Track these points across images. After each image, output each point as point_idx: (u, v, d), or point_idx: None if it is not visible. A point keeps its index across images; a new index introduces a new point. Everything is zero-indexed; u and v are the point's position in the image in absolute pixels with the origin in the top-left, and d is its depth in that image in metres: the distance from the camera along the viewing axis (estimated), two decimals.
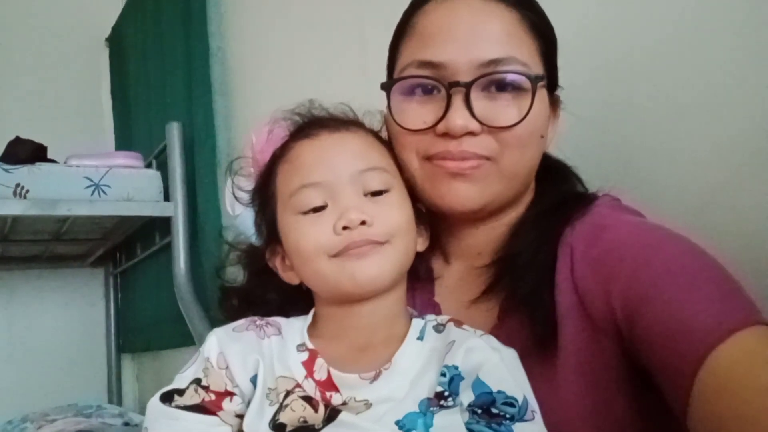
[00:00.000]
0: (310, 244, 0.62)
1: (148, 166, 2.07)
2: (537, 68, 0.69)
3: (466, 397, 0.58)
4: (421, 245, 0.71)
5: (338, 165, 0.64)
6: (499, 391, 0.57)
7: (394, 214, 0.64)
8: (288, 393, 0.60)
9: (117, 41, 2.73)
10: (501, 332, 0.68)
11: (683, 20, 0.82)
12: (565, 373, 0.64)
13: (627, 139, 0.89)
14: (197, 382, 0.62)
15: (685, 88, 0.82)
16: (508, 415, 0.57)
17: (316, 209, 0.63)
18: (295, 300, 0.70)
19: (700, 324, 0.54)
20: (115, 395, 2.59)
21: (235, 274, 0.77)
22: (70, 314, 2.62)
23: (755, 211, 0.74)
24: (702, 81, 0.80)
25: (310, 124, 0.69)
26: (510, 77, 0.67)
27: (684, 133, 0.82)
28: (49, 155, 1.95)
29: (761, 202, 0.73)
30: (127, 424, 2.03)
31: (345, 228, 0.61)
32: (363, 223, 0.61)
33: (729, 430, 0.49)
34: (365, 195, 0.64)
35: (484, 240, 0.74)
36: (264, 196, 0.70)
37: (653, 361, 0.57)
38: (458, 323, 0.65)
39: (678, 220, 0.65)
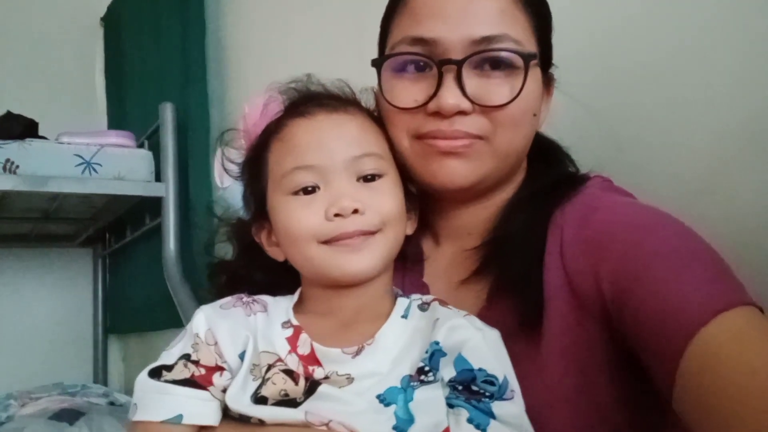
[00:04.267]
0: (301, 228, 0.62)
1: (141, 146, 2.05)
2: (530, 46, 0.68)
3: (448, 372, 0.58)
4: (410, 228, 0.70)
5: (333, 149, 0.63)
6: (480, 369, 0.57)
7: (386, 202, 0.64)
8: (270, 367, 0.60)
9: (112, 20, 2.71)
10: (490, 313, 0.68)
11: (680, 7, 0.82)
12: (550, 354, 0.64)
13: (621, 124, 0.89)
14: (186, 357, 0.62)
15: (680, 75, 0.82)
16: (487, 393, 0.57)
17: (308, 191, 0.63)
18: (282, 278, 0.70)
19: (687, 305, 0.54)
20: (101, 376, 2.58)
21: (225, 250, 0.77)
22: (57, 294, 2.61)
23: (748, 198, 0.74)
24: (698, 68, 0.80)
25: (307, 102, 0.68)
26: (503, 55, 0.66)
27: (679, 120, 0.82)
28: (41, 132, 1.93)
29: (754, 189, 0.74)
30: (112, 403, 2.02)
31: (337, 215, 0.61)
32: (355, 211, 0.61)
33: (714, 409, 0.50)
34: (358, 180, 0.63)
35: (474, 220, 0.74)
36: (254, 171, 0.69)
37: (641, 341, 0.57)
38: (443, 303, 0.65)
39: (671, 205, 0.65)
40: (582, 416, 0.63)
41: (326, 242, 0.61)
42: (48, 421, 1.72)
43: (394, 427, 0.56)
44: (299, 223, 0.62)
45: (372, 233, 0.62)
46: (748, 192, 0.74)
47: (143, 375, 0.62)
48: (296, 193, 0.63)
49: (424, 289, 0.76)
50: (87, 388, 2.19)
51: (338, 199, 0.61)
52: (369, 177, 0.64)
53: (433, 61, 0.67)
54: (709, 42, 0.79)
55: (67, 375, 2.38)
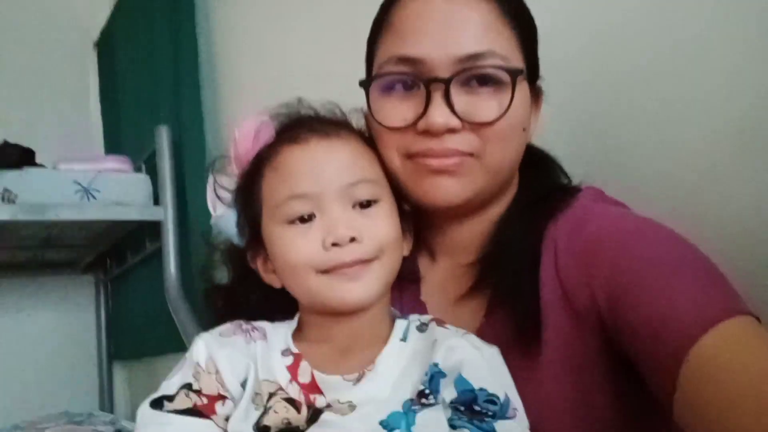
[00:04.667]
0: (299, 259, 0.62)
1: (138, 170, 2.05)
2: (517, 60, 0.68)
3: (449, 393, 0.58)
4: (406, 250, 0.70)
5: (327, 176, 0.62)
6: (480, 389, 0.57)
7: (382, 228, 0.63)
8: (271, 396, 0.60)
9: (106, 45, 2.72)
10: (488, 329, 0.68)
11: (672, 10, 0.82)
12: (549, 367, 0.64)
13: (612, 127, 0.89)
14: (188, 387, 0.62)
15: (671, 77, 0.82)
16: (490, 413, 0.57)
17: (303, 220, 0.62)
18: (279, 302, 0.69)
19: (682, 314, 0.54)
20: (107, 402, 2.57)
21: (222, 274, 0.77)
22: (60, 321, 2.60)
23: (741, 199, 0.74)
24: (690, 70, 0.80)
25: (299, 127, 0.67)
26: (489, 72, 0.66)
27: (670, 122, 0.82)
28: (38, 160, 1.93)
29: (747, 190, 0.73)
30: (119, 431, 2.01)
31: (334, 244, 0.60)
32: (353, 239, 0.60)
33: (715, 418, 0.49)
34: (354, 207, 0.63)
35: (469, 236, 0.74)
36: (248, 199, 0.68)
37: (637, 352, 0.57)
38: (440, 322, 0.65)
39: (664, 207, 0.65)
40: (582, 427, 0.63)
41: (325, 272, 0.61)
42: None
43: None
44: (297, 255, 0.62)
45: (369, 261, 0.61)
46: (741, 193, 0.74)
47: (145, 406, 0.62)
48: (292, 222, 0.63)
49: (421, 308, 0.76)
50: (93, 416, 2.17)
51: (334, 227, 0.60)
52: (364, 203, 0.63)
53: (420, 80, 0.66)
54: (700, 43, 0.78)
55: (72, 402, 2.37)
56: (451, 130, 0.66)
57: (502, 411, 0.57)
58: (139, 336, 2.32)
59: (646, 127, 0.85)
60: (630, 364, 0.59)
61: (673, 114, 0.81)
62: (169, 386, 0.63)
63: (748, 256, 0.70)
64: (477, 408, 0.57)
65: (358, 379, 0.60)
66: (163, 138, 1.91)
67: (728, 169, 0.75)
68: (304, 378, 0.61)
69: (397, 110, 0.68)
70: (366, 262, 0.61)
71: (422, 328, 0.64)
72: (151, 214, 1.91)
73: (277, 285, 0.67)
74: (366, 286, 0.61)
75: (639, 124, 0.86)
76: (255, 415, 0.59)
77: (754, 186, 0.72)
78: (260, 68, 1.79)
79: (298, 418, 0.58)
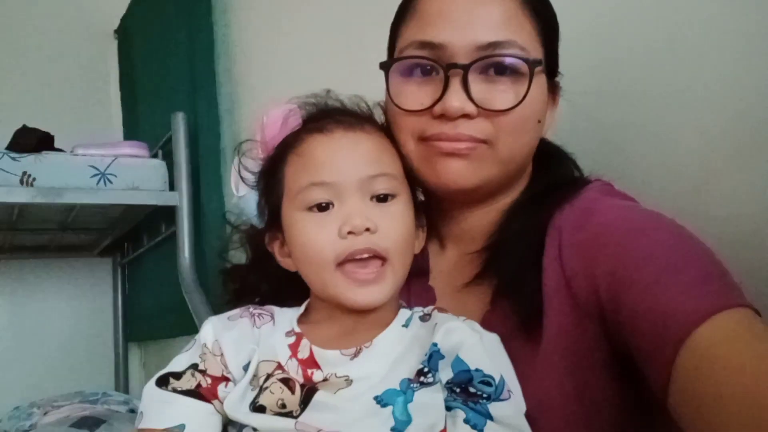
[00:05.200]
0: (318, 251, 0.63)
1: (154, 156, 2.08)
2: (536, 53, 0.69)
3: (445, 374, 0.59)
4: (418, 246, 0.71)
5: (348, 168, 0.64)
6: (476, 369, 0.58)
7: (396, 226, 0.65)
8: (268, 376, 0.61)
9: (125, 33, 2.75)
10: (493, 316, 0.69)
11: (672, 7, 0.82)
12: (549, 355, 0.65)
13: (614, 125, 0.89)
14: (194, 366, 0.64)
15: (672, 74, 0.82)
16: (485, 394, 0.58)
17: (321, 207, 0.64)
18: (291, 287, 0.71)
19: (680, 306, 0.54)
20: (122, 383, 2.61)
21: (238, 257, 0.78)
22: (78, 303, 2.65)
23: (744, 196, 0.74)
24: (696, 68, 0.80)
25: (325, 118, 0.69)
26: (508, 60, 0.67)
27: (672, 120, 0.82)
28: (57, 145, 1.96)
29: (750, 187, 0.73)
30: (132, 411, 2.05)
31: (350, 233, 0.62)
32: (367, 229, 0.62)
33: (708, 410, 0.50)
34: (371, 199, 0.64)
35: (477, 224, 0.75)
36: (270, 182, 0.70)
37: (635, 344, 0.58)
38: (442, 310, 0.66)
39: (667, 205, 0.65)
40: (581, 417, 0.63)
41: (341, 264, 0.62)
42: (69, 429, 1.75)
43: (393, 429, 0.56)
44: (315, 244, 0.63)
45: (381, 258, 0.63)
46: (744, 190, 0.74)
47: (150, 384, 0.64)
48: (311, 209, 0.64)
49: (430, 293, 0.77)
50: (108, 395, 2.22)
51: (351, 217, 0.62)
52: (382, 197, 0.65)
53: (439, 65, 0.67)
54: (701, 41, 0.79)
55: (88, 383, 2.42)
56: (466, 116, 0.67)
57: (497, 393, 0.58)
58: (153, 318, 2.36)
59: (648, 126, 0.85)
60: (629, 356, 0.59)
61: (675, 112, 0.82)
62: (177, 364, 0.65)
63: (750, 253, 0.70)
64: (472, 390, 0.58)
65: (356, 354, 0.62)
66: (179, 124, 1.93)
67: (731, 165, 0.75)
68: (303, 354, 0.63)
69: (415, 94, 0.69)
70: (378, 257, 0.63)
71: (425, 318, 0.65)
72: (166, 199, 1.93)
73: (291, 269, 0.69)
74: (378, 290, 0.63)
75: (641, 123, 0.86)
76: (251, 395, 0.61)
77: (756, 182, 0.73)
78: (275, 58, 1.81)
79: (292, 400, 0.59)
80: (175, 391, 0.62)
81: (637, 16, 0.87)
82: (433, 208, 0.76)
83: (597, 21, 0.91)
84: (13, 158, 1.77)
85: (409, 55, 0.69)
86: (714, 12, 0.77)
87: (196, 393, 0.62)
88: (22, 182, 1.76)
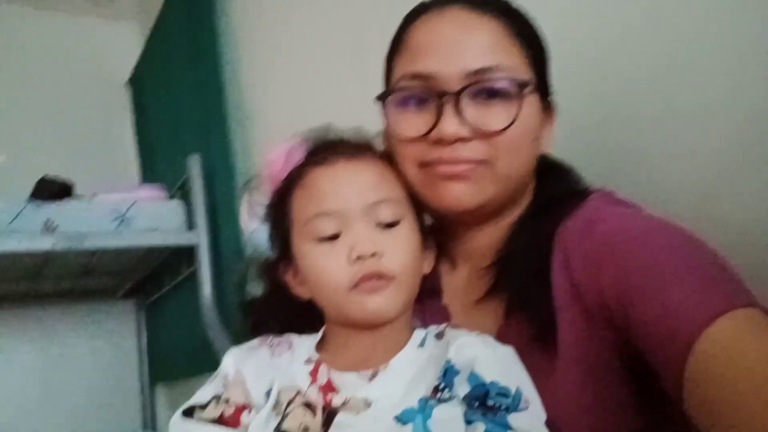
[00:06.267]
0: (330, 278, 0.65)
1: (172, 197, 2.12)
2: (525, 75, 0.71)
3: (462, 389, 0.60)
4: (427, 267, 0.73)
5: (352, 196, 0.66)
6: (492, 383, 0.59)
7: (403, 249, 0.66)
8: (289, 402, 0.63)
9: (137, 82, 2.83)
10: (508, 330, 0.70)
11: (675, 14, 0.83)
12: (566, 366, 0.65)
13: (621, 134, 0.90)
14: (217, 397, 0.66)
15: (678, 80, 0.83)
16: (503, 407, 0.58)
17: (330, 237, 0.66)
18: (307, 315, 0.72)
19: (687, 311, 0.55)
20: (149, 422, 2.62)
21: (256, 290, 0.80)
22: (102, 346, 2.68)
23: (753, 201, 0.74)
24: (706, 70, 0.80)
25: (326, 150, 0.71)
26: (497, 84, 0.69)
27: (680, 126, 0.83)
28: (77, 191, 2.02)
29: (759, 191, 0.74)
30: None
31: (358, 258, 0.64)
32: (374, 254, 0.64)
33: (717, 411, 0.50)
34: (377, 225, 0.66)
35: (487, 241, 0.76)
36: (279, 214, 0.72)
37: (648, 348, 0.58)
38: (455, 326, 0.67)
39: (677, 212, 0.65)
40: (602, 424, 0.64)
41: (353, 288, 0.64)
42: None
43: None
44: (327, 273, 0.65)
45: (389, 278, 0.64)
46: (755, 194, 0.74)
47: (177, 416, 0.66)
48: (320, 240, 0.66)
49: (444, 311, 0.78)
50: None
51: (358, 243, 0.64)
52: (387, 224, 0.67)
53: (432, 94, 0.70)
54: (711, 44, 0.79)
55: (116, 425, 2.43)
56: (462, 139, 0.69)
57: (515, 404, 0.58)
58: (177, 357, 2.38)
59: (655, 134, 0.86)
60: (644, 361, 0.59)
61: (682, 118, 0.82)
62: (201, 396, 0.67)
63: (763, 257, 0.70)
64: (490, 403, 0.58)
65: (373, 376, 0.63)
66: (195, 166, 1.98)
67: (740, 170, 0.76)
68: (322, 380, 0.64)
69: (412, 123, 0.71)
70: (386, 277, 0.64)
71: (439, 336, 0.66)
72: (186, 238, 1.97)
73: (306, 296, 0.71)
74: (387, 299, 0.64)
75: (648, 131, 0.87)
76: (275, 422, 0.62)
77: (766, 187, 0.73)
78: (286, 97, 1.84)
79: (314, 423, 0.60)
80: (200, 420, 0.64)
81: (640, 27, 0.87)
82: (441, 229, 0.77)
83: (601, 33, 0.92)
84: (36, 206, 1.81)
85: (403, 86, 0.72)
86: (715, 20, 0.78)
87: (220, 421, 0.64)
88: (45, 229, 1.80)
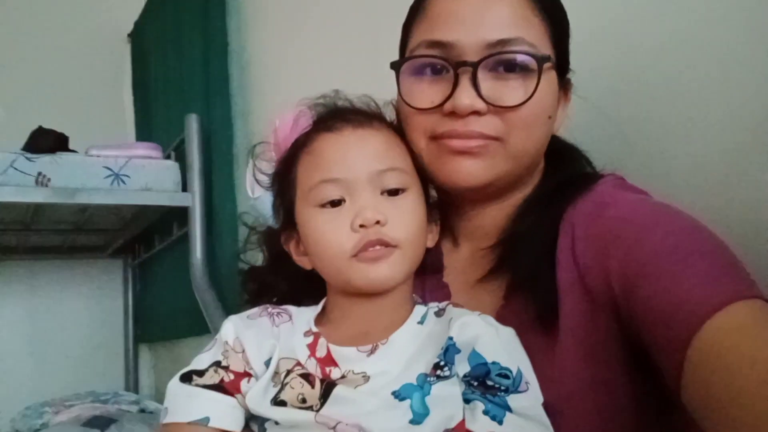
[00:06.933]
0: (332, 245, 0.64)
1: (167, 157, 2.09)
2: (545, 50, 0.69)
3: (462, 368, 0.60)
4: (431, 241, 0.72)
5: (358, 164, 0.65)
6: (493, 362, 0.59)
7: (407, 219, 0.65)
8: (288, 372, 0.62)
9: (139, 37, 2.78)
10: (508, 311, 0.70)
11: (700, 10, 0.82)
12: (566, 347, 0.65)
13: (635, 122, 0.89)
14: (217, 363, 0.65)
15: (702, 67, 0.82)
16: (503, 387, 0.58)
17: (334, 204, 0.65)
18: (307, 286, 0.72)
19: (691, 299, 0.54)
20: (132, 383, 2.63)
21: (254, 258, 0.79)
22: (89, 304, 2.68)
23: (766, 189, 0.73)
24: (720, 60, 0.79)
25: (334, 117, 0.70)
26: (516, 57, 0.67)
27: (693, 113, 0.82)
28: (72, 146, 1.99)
29: None
30: (143, 410, 2.06)
31: (362, 226, 0.63)
32: (378, 222, 0.63)
33: (719, 402, 0.50)
34: (382, 193, 0.65)
35: (491, 221, 0.75)
36: (284, 182, 0.71)
37: (648, 337, 0.58)
38: (457, 305, 0.67)
39: (690, 200, 0.65)
40: (599, 408, 0.63)
41: (355, 255, 0.63)
42: (81, 428, 1.76)
43: (411, 421, 0.57)
44: (329, 239, 0.64)
45: (392, 246, 0.64)
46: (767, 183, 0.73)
47: (174, 380, 0.65)
48: (323, 205, 0.65)
49: (444, 289, 0.77)
50: (118, 395, 2.23)
51: (362, 210, 0.63)
52: (392, 191, 0.66)
53: (449, 64, 0.68)
54: (726, 34, 0.78)
55: (99, 383, 2.44)
56: (476, 113, 0.67)
57: (515, 385, 0.58)
58: (163, 319, 2.38)
59: (669, 121, 0.85)
60: (645, 349, 0.59)
61: (696, 106, 0.81)
62: (200, 361, 0.66)
63: None
64: (490, 383, 0.58)
65: (372, 351, 0.62)
66: (193, 126, 1.95)
67: (753, 158, 0.75)
68: (321, 352, 0.64)
69: (426, 93, 0.70)
70: (389, 246, 0.63)
71: (440, 313, 0.66)
72: (179, 199, 1.95)
73: (307, 266, 0.70)
74: (388, 267, 0.63)
75: (662, 116, 0.86)
76: (273, 391, 0.62)
77: None
78: (288, 60, 1.82)
79: (312, 394, 0.60)
80: (198, 386, 0.63)
81: (655, 14, 0.86)
82: (445, 205, 0.76)
83: (617, 19, 0.91)
84: (29, 159, 1.79)
85: (420, 54, 0.70)
86: (731, 8, 0.77)
87: (219, 387, 0.63)
88: (37, 182, 1.78)
